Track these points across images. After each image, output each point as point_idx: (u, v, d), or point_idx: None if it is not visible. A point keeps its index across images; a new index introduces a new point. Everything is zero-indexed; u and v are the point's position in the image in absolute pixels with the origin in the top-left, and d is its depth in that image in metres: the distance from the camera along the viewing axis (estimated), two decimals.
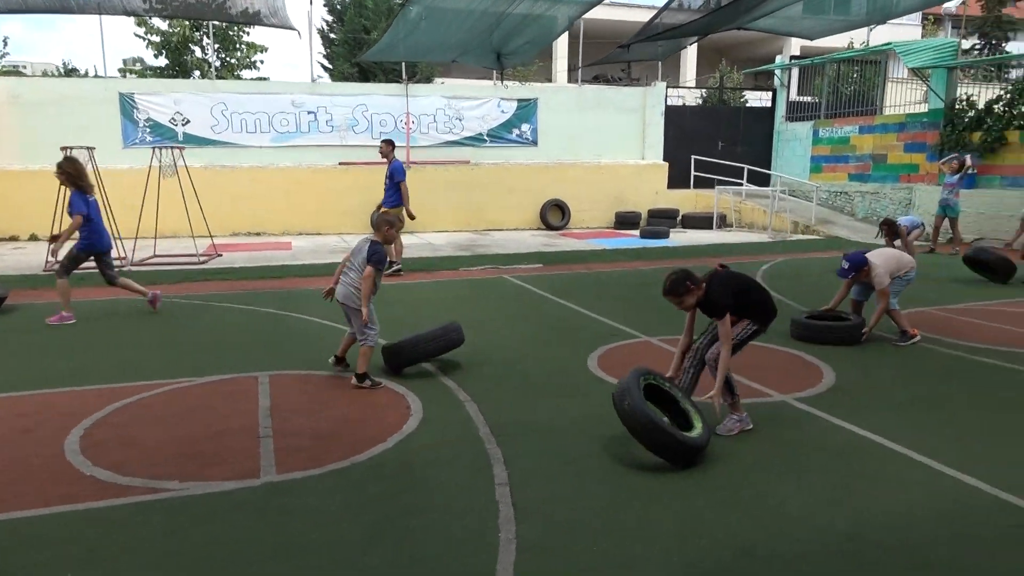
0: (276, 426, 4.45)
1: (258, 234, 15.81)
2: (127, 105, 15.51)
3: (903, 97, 17.61)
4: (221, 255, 12.29)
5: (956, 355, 6.14)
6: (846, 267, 6.41)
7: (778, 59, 19.91)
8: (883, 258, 6.51)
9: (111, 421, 4.53)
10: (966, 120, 14.81)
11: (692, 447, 3.79)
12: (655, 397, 4.06)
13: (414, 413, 4.66)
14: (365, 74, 24.77)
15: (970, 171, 13.16)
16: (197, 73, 22.59)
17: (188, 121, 15.82)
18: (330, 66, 27.83)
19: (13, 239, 14.69)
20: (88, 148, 11.36)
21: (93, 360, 5.98)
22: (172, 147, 11.99)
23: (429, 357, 5.67)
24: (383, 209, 9.70)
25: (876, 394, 5.09)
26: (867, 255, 6.49)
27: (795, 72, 20.65)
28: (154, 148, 11.81)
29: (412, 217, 10.50)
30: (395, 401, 4.91)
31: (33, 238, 14.53)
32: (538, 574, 2.86)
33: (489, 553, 3.01)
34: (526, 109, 17.64)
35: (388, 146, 10.69)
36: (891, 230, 10.60)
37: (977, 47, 29.42)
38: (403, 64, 18.39)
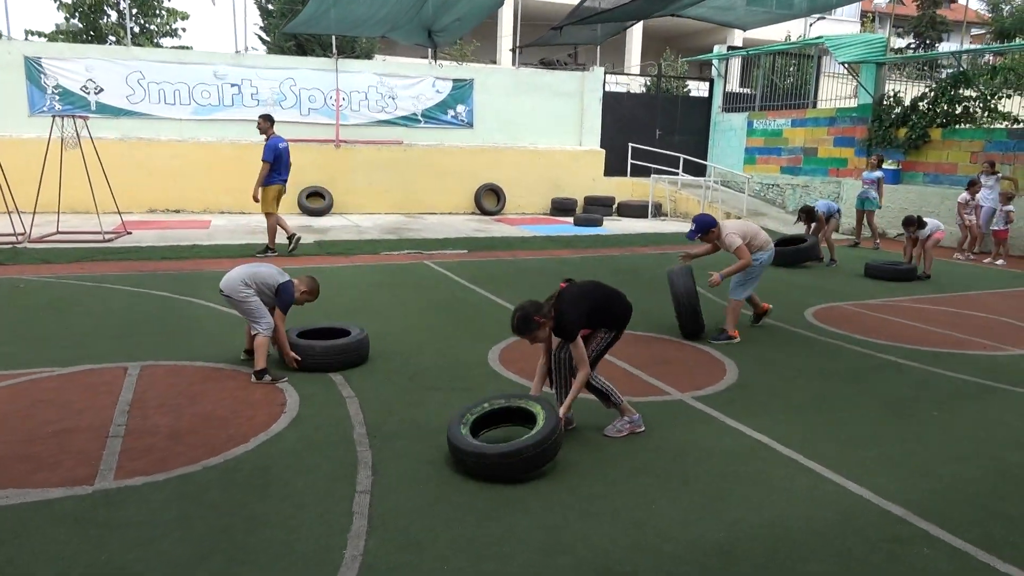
0: (131, 424, 4.06)
1: (177, 211, 15.08)
2: (33, 70, 14.53)
3: (836, 92, 17.83)
4: (130, 233, 11.62)
5: (863, 352, 6.10)
6: (693, 228, 6.10)
7: (716, 49, 19.91)
8: (737, 223, 6.35)
9: None
10: (893, 116, 15.04)
11: (523, 453, 3.42)
12: (495, 418, 3.84)
13: (288, 411, 4.33)
14: (303, 49, 23.89)
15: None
16: (112, 39, 21.41)
17: (101, 90, 14.93)
18: (268, 38, 26.78)
19: None
20: None
21: None
22: (75, 116, 11.22)
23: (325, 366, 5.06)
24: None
25: (775, 393, 4.98)
26: (722, 222, 6.26)
27: (736, 63, 20.72)
28: (54, 117, 11.05)
29: (256, 200, 9.98)
30: (270, 397, 4.57)
31: None
32: None
33: (328, 573, 2.73)
34: (462, 90, 17.23)
35: (266, 121, 10.12)
36: (809, 217, 10.64)
37: (912, 46, 30.14)
38: (334, 38, 17.76)
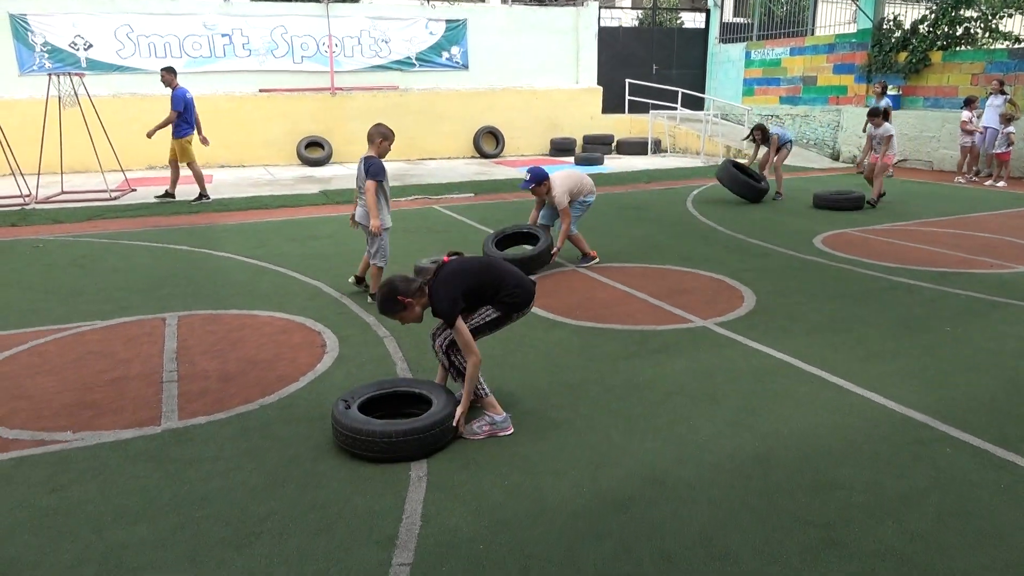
0: (181, 370, 4.23)
1: None
2: (19, 27, 14.24)
3: (834, 18, 17.59)
4: (135, 190, 11.62)
5: (873, 275, 6.27)
6: (528, 179, 6.26)
7: None
8: (563, 177, 6.40)
9: None
10: (893, 40, 14.90)
11: (410, 436, 3.14)
12: (386, 402, 3.49)
13: (329, 351, 4.51)
14: None
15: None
16: None
17: (91, 45, 14.67)
18: None
19: None
20: None
21: None
22: (71, 73, 11.09)
23: None
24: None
25: (793, 317, 5.16)
26: (551, 174, 6.38)
27: None
28: (50, 75, 10.92)
29: (149, 137, 10.48)
30: (310, 339, 4.74)
31: None
32: (447, 511, 2.80)
33: (398, 492, 2.93)
34: (456, 31, 16.96)
35: (169, 74, 10.32)
36: (763, 136, 10.60)
37: None
38: None
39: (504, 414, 3.47)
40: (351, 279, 5.86)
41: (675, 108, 17.33)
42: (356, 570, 2.46)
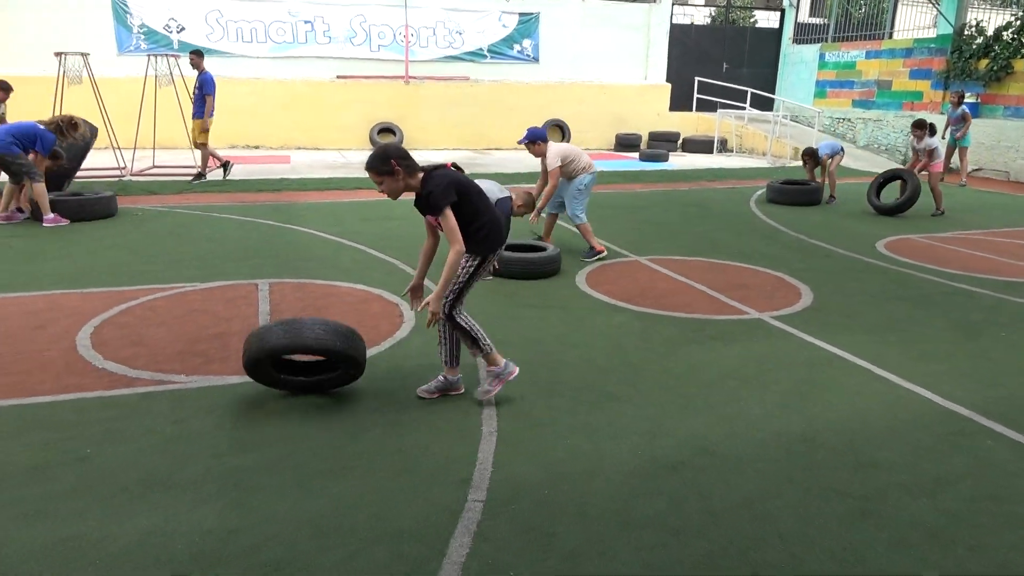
0: None
1: (256, 147, 15.77)
2: (120, 10, 15.18)
3: (914, 21, 17.22)
4: (231, 163, 12.29)
5: (934, 280, 6.34)
6: (525, 135, 6.48)
7: None
8: (560, 145, 6.62)
9: (118, 321, 4.77)
10: (974, 47, 14.56)
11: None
12: (296, 366, 3.72)
13: (407, 321, 4.90)
14: None
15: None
16: None
17: (183, 28, 15.52)
18: None
19: None
20: (83, 54, 11.27)
21: (95, 264, 6.17)
22: (168, 55, 11.83)
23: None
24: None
25: (849, 315, 5.32)
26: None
27: None
28: (149, 56, 11.67)
29: (206, 130, 10.73)
30: (388, 311, 5.14)
31: None
32: (514, 461, 3.13)
33: (471, 443, 3.28)
34: (528, 24, 17.27)
35: (198, 57, 10.68)
36: (813, 160, 10.54)
37: None
38: None
39: (504, 360, 3.65)
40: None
41: (744, 108, 17.28)
42: (437, 503, 2.82)
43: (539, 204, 6.53)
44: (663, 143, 16.98)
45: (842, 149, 10.77)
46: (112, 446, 3.18)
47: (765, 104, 17.97)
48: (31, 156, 7.46)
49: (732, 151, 17.37)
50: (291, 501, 2.81)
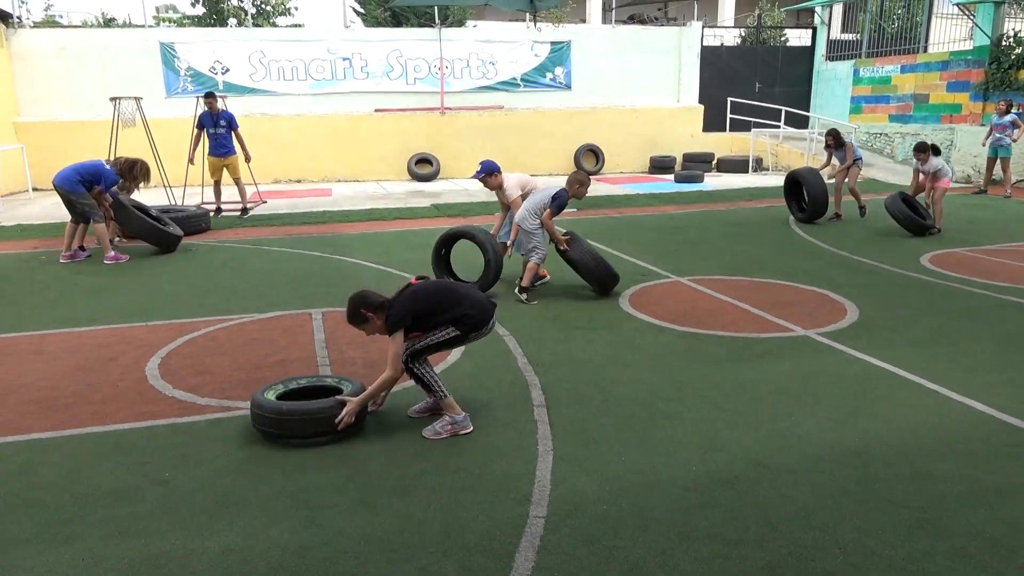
0: (332, 356, 4.86)
1: (298, 181, 16.21)
2: (168, 55, 15.84)
3: (948, 34, 17.08)
4: (265, 202, 12.72)
5: (982, 294, 6.29)
6: (479, 169, 6.73)
7: None
8: (516, 175, 6.92)
9: (183, 352, 4.99)
10: (1013, 57, 14.39)
11: (317, 414, 3.57)
12: (306, 393, 3.84)
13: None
14: (398, 19, 24.71)
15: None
16: (233, 21, 22.78)
17: (228, 69, 16.11)
18: (362, 11, 27.76)
19: None
20: (136, 98, 11.80)
21: (157, 298, 6.44)
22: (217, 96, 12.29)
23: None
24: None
25: (896, 330, 5.31)
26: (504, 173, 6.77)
27: (838, 8, 20.07)
28: (197, 97, 12.15)
29: (248, 161, 11.34)
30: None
31: None
32: (572, 478, 3.23)
33: (528, 461, 3.38)
34: (559, 52, 17.56)
35: (216, 99, 11.29)
36: (838, 140, 10.41)
37: None
38: (435, 8, 18.35)
39: (463, 413, 3.73)
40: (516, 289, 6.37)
41: (778, 126, 17.26)
42: (500, 519, 2.92)
43: (511, 238, 6.56)
44: (698, 164, 17.01)
45: (861, 158, 10.53)
46: (188, 469, 3.36)
47: (800, 122, 17.92)
48: (94, 192, 7.83)
49: (768, 170, 17.33)
50: (360, 518, 2.94)
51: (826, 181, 10.29)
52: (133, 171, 8.16)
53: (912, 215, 9.06)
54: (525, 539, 2.78)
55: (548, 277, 6.89)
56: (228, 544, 2.78)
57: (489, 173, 6.69)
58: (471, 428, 3.73)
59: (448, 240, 6.64)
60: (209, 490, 3.17)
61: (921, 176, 9.51)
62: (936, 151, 9.43)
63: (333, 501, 3.07)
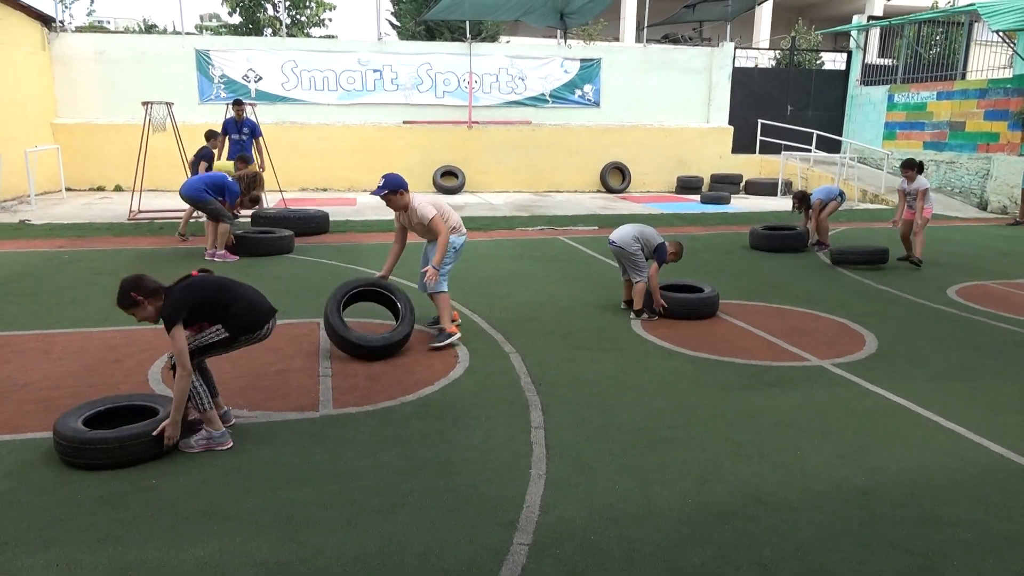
0: (334, 367, 4.82)
1: (324, 190, 16.35)
2: (203, 62, 16.13)
3: (987, 62, 16.75)
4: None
5: (1008, 328, 6.08)
6: (381, 184, 5.34)
7: (855, 19, 19.12)
8: (427, 196, 5.64)
9: None
10: None
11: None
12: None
13: (461, 362, 4.97)
14: (432, 33, 24.92)
15: None
16: (268, 31, 23.17)
17: (260, 78, 16.36)
18: (398, 24, 28.06)
19: (100, 189, 15.60)
20: (167, 103, 11.98)
21: None
22: (247, 103, 12.45)
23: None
24: None
25: (915, 363, 5.14)
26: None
27: (875, 33, 19.81)
28: (227, 104, 12.31)
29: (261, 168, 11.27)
30: (444, 350, 5.23)
31: (117, 188, 15.39)
32: (562, 505, 3.13)
33: (519, 486, 3.30)
34: (589, 69, 17.54)
35: (249, 107, 11.60)
36: (802, 202, 10.00)
37: None
38: (467, 23, 18.47)
39: (223, 429, 3.63)
40: (622, 305, 6.53)
41: (809, 150, 17.03)
42: (483, 544, 2.83)
43: (433, 261, 5.30)
44: (725, 185, 16.84)
45: (841, 195, 9.91)
46: (176, 477, 3.33)
47: (832, 146, 17.67)
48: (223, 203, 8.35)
49: None
50: (340, 537, 2.87)
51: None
52: (247, 187, 8.88)
53: (862, 249, 8.77)
54: (506, 567, 2.69)
55: (459, 320, 5.77)
56: (205, 556, 2.73)
57: (394, 190, 5.29)
58: (230, 444, 3.62)
59: (353, 296, 5.38)
60: (194, 499, 3.14)
61: (907, 209, 8.92)
62: (921, 168, 9.00)
63: (317, 517, 3.02)
